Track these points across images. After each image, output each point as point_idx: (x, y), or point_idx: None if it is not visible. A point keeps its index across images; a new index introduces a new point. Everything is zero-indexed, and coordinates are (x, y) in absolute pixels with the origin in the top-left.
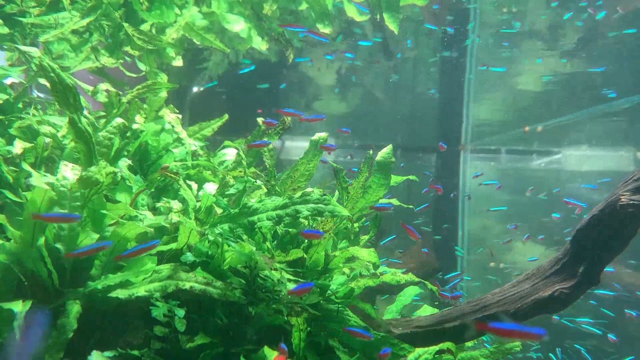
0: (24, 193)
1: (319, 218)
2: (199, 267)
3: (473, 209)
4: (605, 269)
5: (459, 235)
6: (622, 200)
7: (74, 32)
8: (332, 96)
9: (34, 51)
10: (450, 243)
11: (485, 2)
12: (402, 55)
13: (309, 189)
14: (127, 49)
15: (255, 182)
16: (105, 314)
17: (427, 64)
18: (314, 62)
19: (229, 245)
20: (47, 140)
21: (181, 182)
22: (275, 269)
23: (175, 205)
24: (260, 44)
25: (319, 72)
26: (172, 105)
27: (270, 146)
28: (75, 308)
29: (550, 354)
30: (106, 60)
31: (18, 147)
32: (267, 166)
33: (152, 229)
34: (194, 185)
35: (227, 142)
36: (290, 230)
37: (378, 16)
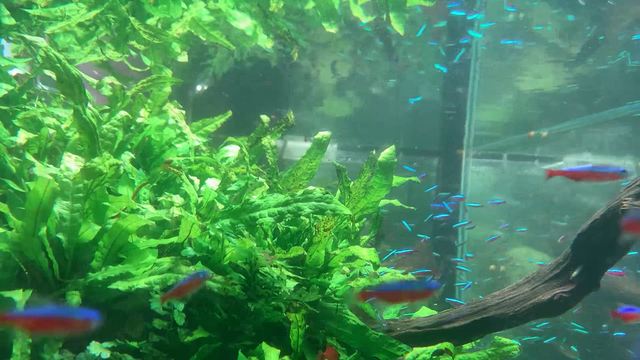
0: (26, 183)
1: (320, 216)
2: (200, 262)
3: (474, 214)
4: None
5: (459, 240)
6: (624, 205)
7: (80, 24)
8: (334, 97)
9: (40, 41)
10: (451, 247)
11: (490, 5)
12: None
13: (310, 187)
14: (133, 43)
15: (258, 179)
16: (104, 306)
17: (430, 66)
18: (317, 64)
19: (229, 241)
20: (51, 131)
21: (184, 176)
22: (276, 266)
23: (177, 199)
24: (265, 42)
25: (321, 73)
26: (176, 101)
27: (273, 144)
28: (75, 299)
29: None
30: (111, 54)
31: (22, 137)
32: (270, 164)
33: (153, 222)
34: (196, 181)
35: (230, 139)
36: (291, 227)
37: (385, 16)
